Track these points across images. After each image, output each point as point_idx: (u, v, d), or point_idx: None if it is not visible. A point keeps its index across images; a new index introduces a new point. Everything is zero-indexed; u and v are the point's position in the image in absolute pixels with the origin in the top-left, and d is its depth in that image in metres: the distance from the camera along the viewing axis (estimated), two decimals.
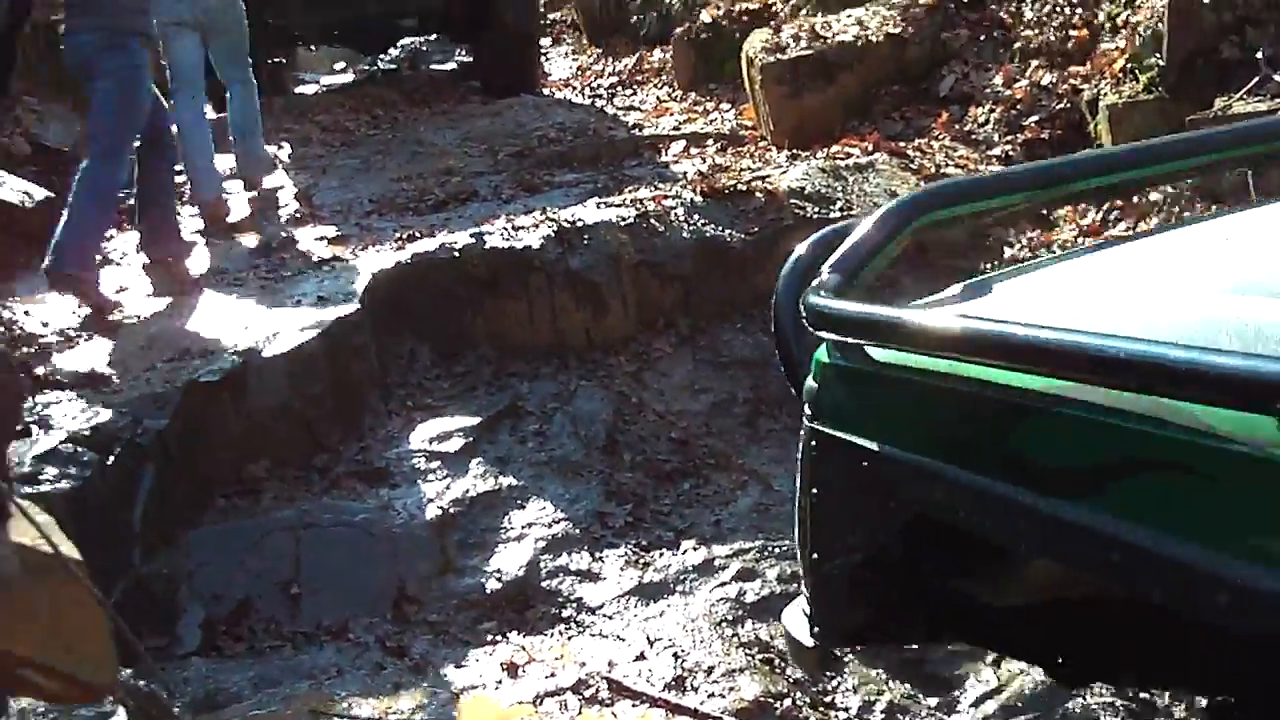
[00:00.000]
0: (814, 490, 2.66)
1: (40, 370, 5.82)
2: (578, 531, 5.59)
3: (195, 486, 5.52)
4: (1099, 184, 3.07)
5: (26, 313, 6.72)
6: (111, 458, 5.15)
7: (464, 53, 15.56)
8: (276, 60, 14.15)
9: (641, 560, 5.41)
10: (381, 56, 16.26)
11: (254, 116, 9.31)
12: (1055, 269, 2.87)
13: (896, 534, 2.57)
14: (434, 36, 15.42)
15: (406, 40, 15.65)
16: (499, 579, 5.36)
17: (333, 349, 6.23)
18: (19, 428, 3.01)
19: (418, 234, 7.63)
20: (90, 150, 7.08)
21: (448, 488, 5.78)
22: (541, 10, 15.95)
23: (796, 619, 2.83)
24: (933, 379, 2.30)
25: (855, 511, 2.61)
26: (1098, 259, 2.86)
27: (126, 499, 5.19)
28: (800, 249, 2.75)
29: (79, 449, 5.08)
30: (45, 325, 6.52)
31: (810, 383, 2.64)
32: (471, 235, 7.13)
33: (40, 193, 8.39)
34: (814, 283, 2.50)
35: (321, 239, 8.06)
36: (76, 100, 10.43)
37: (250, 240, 8.22)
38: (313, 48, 16.27)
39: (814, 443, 2.61)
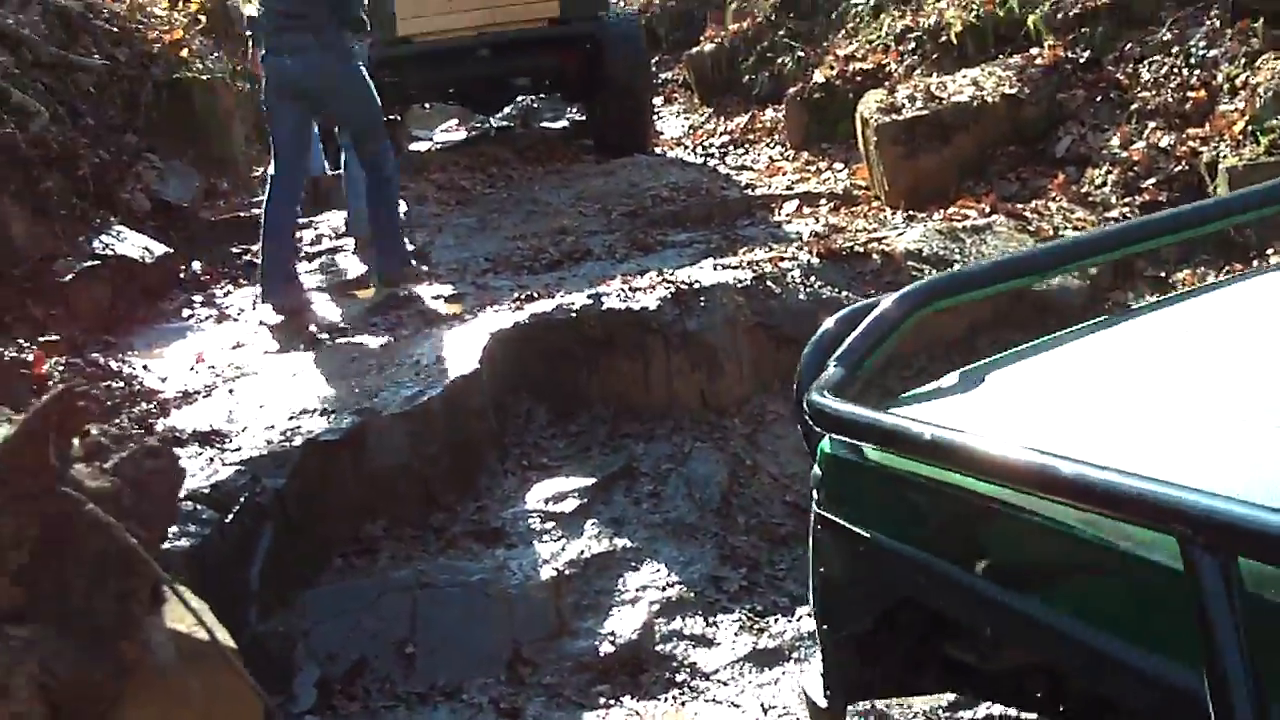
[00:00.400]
0: (820, 568, 2.97)
1: (160, 426, 5.86)
2: (692, 595, 5.53)
3: (313, 545, 5.52)
4: (1101, 260, 3.38)
5: (146, 367, 6.77)
6: (230, 516, 5.15)
7: (576, 111, 15.65)
8: (391, 118, 14.29)
9: (756, 626, 5.35)
10: (495, 115, 16.37)
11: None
12: (1045, 357, 3.02)
13: (893, 608, 2.82)
14: (546, 95, 15.52)
15: (519, 99, 15.75)
16: (613, 642, 5.31)
17: (451, 408, 6.21)
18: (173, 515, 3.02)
19: (535, 294, 7.64)
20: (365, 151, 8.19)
21: (563, 549, 5.74)
22: (653, 70, 16.01)
23: (813, 681, 3.08)
24: (916, 478, 2.54)
25: (856, 588, 2.92)
26: (1087, 345, 3.03)
27: (245, 557, 5.19)
28: (827, 324, 2.98)
29: (198, 507, 5.09)
30: (164, 381, 6.57)
31: (815, 469, 2.91)
32: (588, 296, 7.13)
33: (159, 248, 8.50)
34: (820, 378, 2.74)
35: (439, 297, 8.09)
36: (196, 156, 10.60)
37: (369, 298, 8.26)
38: (426, 106, 16.44)
39: (819, 525, 2.92)
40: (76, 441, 2.44)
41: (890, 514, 2.75)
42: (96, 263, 7.66)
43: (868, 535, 2.75)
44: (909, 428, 2.39)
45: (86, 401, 2.29)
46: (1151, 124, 9.09)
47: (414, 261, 9.01)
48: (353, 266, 9.21)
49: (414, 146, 15.62)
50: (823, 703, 3.05)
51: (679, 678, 5.12)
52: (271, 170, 7.96)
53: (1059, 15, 10.80)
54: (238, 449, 5.66)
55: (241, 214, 10.32)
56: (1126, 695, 2.13)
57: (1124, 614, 2.11)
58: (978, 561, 2.45)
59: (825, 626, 3.05)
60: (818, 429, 2.74)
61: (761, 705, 4.81)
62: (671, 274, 7.35)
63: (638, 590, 5.57)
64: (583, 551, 5.77)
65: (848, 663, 3.02)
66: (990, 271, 3.19)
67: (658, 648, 5.27)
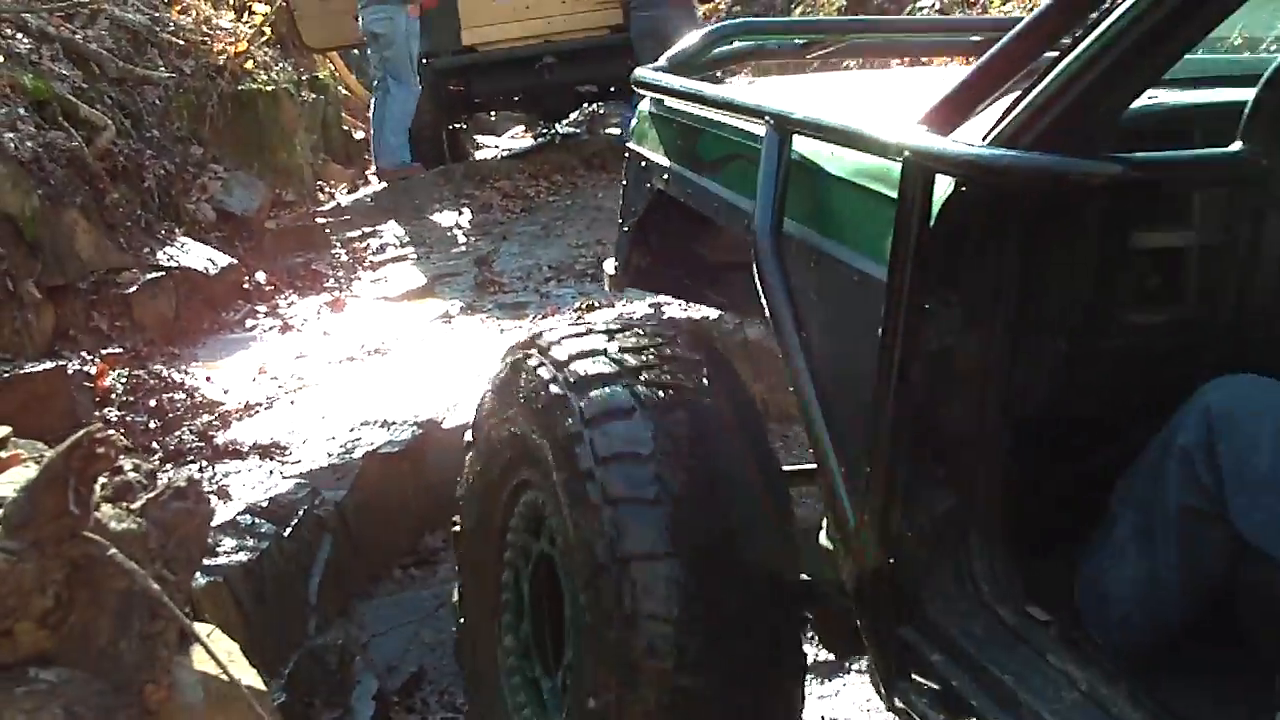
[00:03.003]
0: (623, 184, 4.57)
1: (220, 439, 5.87)
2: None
3: (372, 558, 5.52)
4: (867, 40, 4.61)
5: (208, 379, 6.79)
6: (289, 529, 5.14)
7: None
8: (457, 126, 14.34)
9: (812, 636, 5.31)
10: (560, 122, 16.39)
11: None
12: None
13: (653, 202, 4.27)
14: (612, 102, 15.52)
15: (585, 105, 15.76)
16: None
17: None
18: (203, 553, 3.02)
19: (597, 303, 7.63)
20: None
21: None
22: None
23: (610, 263, 4.67)
24: (676, 117, 4.10)
25: (636, 189, 4.42)
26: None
27: (303, 570, 5.19)
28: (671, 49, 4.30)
29: (257, 520, 5.09)
30: (226, 392, 6.58)
31: (634, 124, 4.55)
32: (649, 305, 7.10)
33: (223, 259, 8.52)
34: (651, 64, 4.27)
35: (502, 306, 8.09)
36: (261, 166, 10.66)
37: (430, 308, 8.27)
38: (491, 114, 16.47)
39: (627, 155, 4.54)
40: (104, 480, 2.43)
41: (662, 141, 4.24)
42: (161, 274, 7.68)
43: (644, 154, 4.34)
44: (679, 85, 3.95)
45: (107, 446, 2.26)
46: None
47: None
48: (414, 276, 9.22)
49: (479, 154, 15.64)
50: (612, 272, 4.61)
51: None
52: None
53: None
54: (298, 461, 5.67)
55: (306, 224, 10.37)
56: (734, 225, 3.55)
57: (749, 177, 3.30)
58: (694, 161, 3.95)
59: (620, 222, 4.59)
60: (638, 91, 4.28)
61: (821, 718, 4.77)
62: None
63: None
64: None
65: (629, 246, 4.49)
66: (788, 24, 5.36)
67: None
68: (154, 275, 7.60)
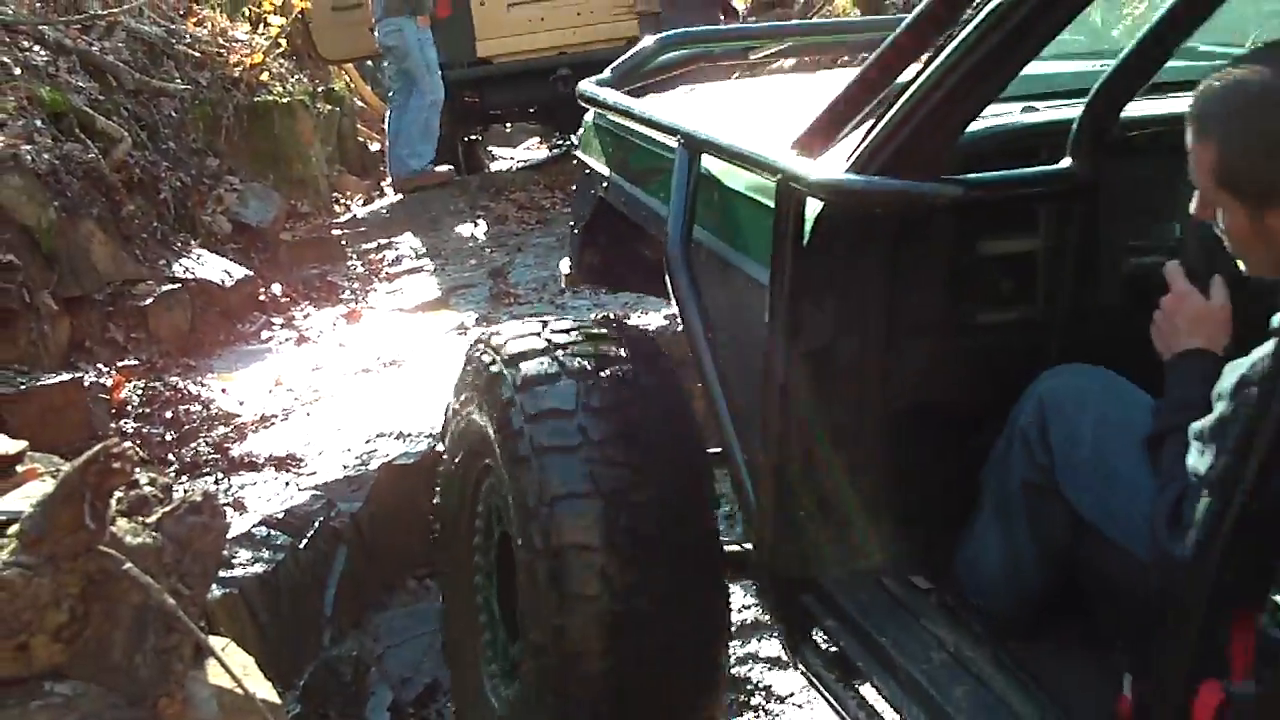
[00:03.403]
0: (574, 189, 5.19)
1: (236, 451, 5.89)
2: (766, 617, 5.49)
3: (387, 569, 5.53)
4: (802, 43, 5.16)
5: (224, 391, 6.81)
6: (305, 540, 5.16)
7: None
8: (471, 138, 14.36)
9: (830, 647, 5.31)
10: (576, 134, 16.39)
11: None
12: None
13: (597, 207, 4.79)
14: None
15: None
16: None
17: None
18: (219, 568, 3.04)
19: (611, 315, 7.63)
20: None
21: None
22: None
23: (566, 262, 5.23)
24: (613, 129, 4.60)
25: (584, 196, 4.96)
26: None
27: (319, 582, 5.20)
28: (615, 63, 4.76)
29: (272, 532, 5.11)
30: (242, 404, 6.60)
31: (580, 134, 5.13)
32: (665, 317, 7.11)
33: (239, 271, 8.54)
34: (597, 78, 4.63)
35: (517, 318, 8.08)
36: (276, 178, 10.68)
37: (445, 320, 8.28)
38: (507, 125, 16.48)
39: (575, 161, 5.10)
40: (120, 494, 2.44)
41: (602, 153, 4.75)
42: (177, 286, 7.69)
43: (589, 162, 4.87)
44: (613, 99, 4.35)
45: (123, 461, 2.27)
46: None
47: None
48: (430, 288, 9.24)
49: (495, 166, 15.66)
50: (567, 270, 5.20)
51: (754, 700, 5.09)
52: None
53: None
54: (313, 473, 5.69)
55: (322, 236, 10.38)
56: (659, 232, 3.86)
57: (663, 186, 3.76)
58: (629, 173, 4.38)
59: (572, 224, 5.13)
60: (582, 105, 4.64)
61: None
62: None
63: None
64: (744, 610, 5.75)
65: (580, 247, 5.00)
66: (728, 33, 5.92)
67: (732, 670, 5.24)
68: (170, 287, 7.62)
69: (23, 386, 5.71)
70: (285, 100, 11.29)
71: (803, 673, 3.37)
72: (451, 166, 12.87)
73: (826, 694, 3.22)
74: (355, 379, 7.09)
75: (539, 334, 3.83)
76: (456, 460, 4.22)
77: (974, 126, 2.98)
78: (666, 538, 3.47)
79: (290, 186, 11.00)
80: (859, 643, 3.09)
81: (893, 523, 3.28)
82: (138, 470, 2.52)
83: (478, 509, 4.21)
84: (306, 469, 5.72)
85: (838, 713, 3.16)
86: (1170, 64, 3.12)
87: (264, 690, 2.43)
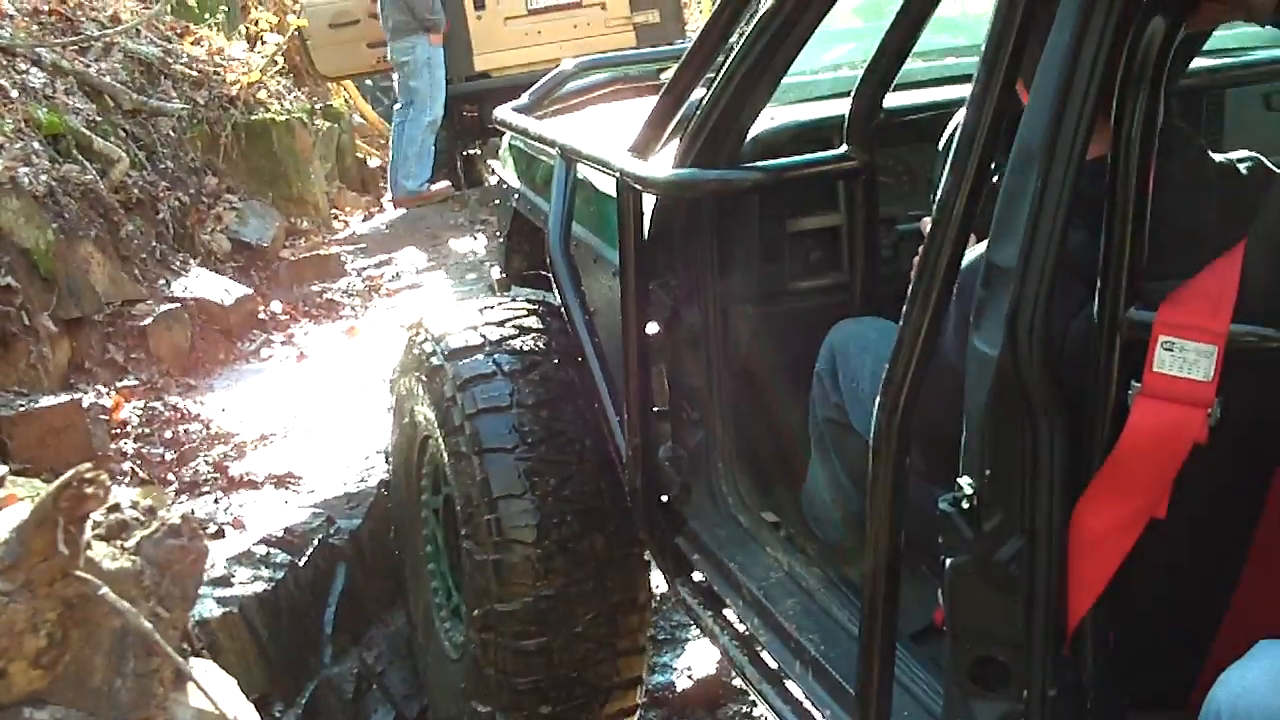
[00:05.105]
0: (496, 202, 5.82)
1: (235, 470, 5.89)
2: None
3: (387, 585, 5.52)
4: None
5: (223, 409, 6.81)
6: (305, 558, 5.16)
7: None
8: (470, 152, 14.38)
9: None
10: None
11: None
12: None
13: (519, 220, 5.23)
14: None
15: None
16: (689, 676, 5.30)
17: None
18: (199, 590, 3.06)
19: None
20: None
21: None
22: None
23: (495, 269, 5.72)
24: (522, 146, 5.17)
25: (505, 214, 5.47)
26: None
27: (319, 599, 5.20)
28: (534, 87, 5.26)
29: (272, 550, 5.11)
30: (241, 423, 6.60)
31: (500, 152, 5.63)
32: None
33: (239, 289, 8.55)
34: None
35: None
36: (276, 196, 10.69)
37: None
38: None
39: (500, 183, 5.57)
40: (99, 518, 2.44)
41: (515, 168, 5.30)
42: (176, 305, 7.70)
43: (505, 178, 5.42)
44: (517, 121, 4.85)
45: (97, 486, 2.27)
46: None
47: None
48: (430, 304, 9.24)
49: (494, 179, 15.64)
50: (498, 276, 5.65)
51: (755, 712, 5.09)
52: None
53: None
54: (312, 490, 5.68)
55: (321, 253, 10.38)
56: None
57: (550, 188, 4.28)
58: (536, 185, 4.90)
59: (497, 234, 5.73)
60: (500, 128, 5.17)
61: None
62: None
63: None
64: (657, 585, 5.74)
65: (507, 255, 5.53)
66: (639, 57, 6.40)
67: (735, 681, 5.24)
68: (169, 306, 7.63)
69: (22, 408, 5.72)
70: (283, 118, 11.28)
71: (683, 608, 3.90)
72: (450, 183, 12.90)
73: (699, 626, 3.81)
74: (354, 396, 7.09)
75: (475, 327, 4.43)
76: (401, 425, 4.85)
77: (770, 124, 3.72)
78: (591, 529, 4.15)
79: (289, 204, 11.00)
80: (716, 570, 3.64)
81: (745, 467, 3.81)
82: (134, 490, 2.52)
83: (423, 471, 4.82)
84: (306, 487, 5.72)
85: (711, 640, 3.71)
86: (914, 65, 3.82)
87: (245, 713, 2.42)
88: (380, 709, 5.11)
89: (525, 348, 4.37)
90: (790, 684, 3.22)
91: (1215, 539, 2.49)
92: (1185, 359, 2.14)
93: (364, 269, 10.42)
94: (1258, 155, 2.76)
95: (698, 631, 5.44)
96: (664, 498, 3.88)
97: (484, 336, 4.36)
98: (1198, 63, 3.68)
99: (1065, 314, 2.31)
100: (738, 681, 5.19)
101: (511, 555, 4.08)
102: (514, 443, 4.11)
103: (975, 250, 2.49)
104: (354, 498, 5.64)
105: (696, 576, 3.81)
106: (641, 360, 3.70)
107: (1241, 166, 2.70)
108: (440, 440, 4.33)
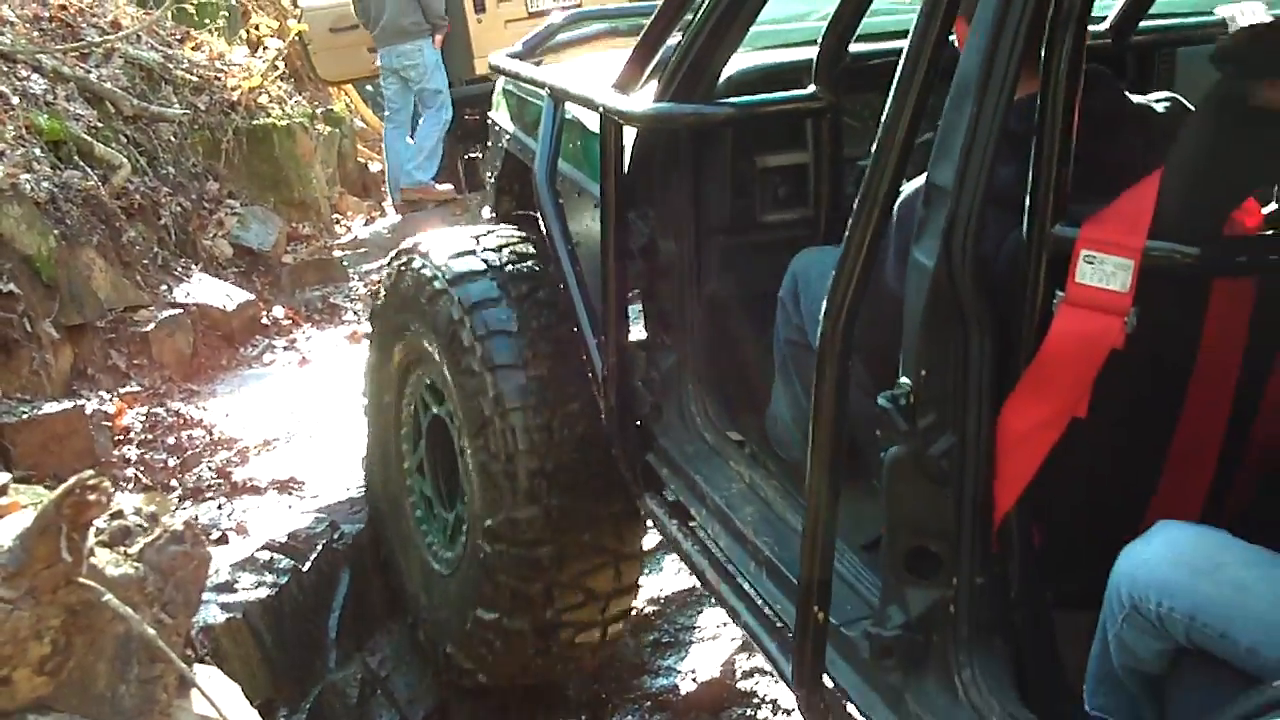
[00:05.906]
0: (486, 144, 5.90)
1: (238, 475, 5.88)
2: None
3: (390, 591, 5.52)
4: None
5: (226, 415, 6.81)
6: (308, 564, 5.17)
7: None
8: (472, 155, 14.37)
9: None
10: None
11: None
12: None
13: (510, 161, 5.38)
14: None
15: None
16: (694, 679, 5.30)
17: None
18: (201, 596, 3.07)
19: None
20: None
21: (642, 586, 5.71)
22: None
23: (485, 209, 5.87)
24: (516, 91, 5.31)
25: (494, 151, 5.63)
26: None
27: (323, 605, 5.20)
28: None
29: (275, 555, 5.11)
30: (244, 428, 6.59)
31: (495, 98, 5.73)
32: None
33: (241, 294, 8.54)
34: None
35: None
36: (277, 200, 10.68)
37: None
38: None
39: (491, 125, 5.70)
40: (103, 525, 2.43)
41: (507, 111, 5.46)
42: (178, 311, 7.69)
43: (498, 121, 5.57)
44: (510, 65, 5.00)
45: (99, 493, 2.27)
46: None
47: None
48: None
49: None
50: (489, 215, 5.73)
51: (760, 714, 5.09)
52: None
53: None
54: (316, 496, 5.69)
55: (323, 257, 10.37)
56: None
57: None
58: (529, 129, 4.87)
59: (487, 174, 5.92)
60: (495, 74, 5.41)
61: None
62: None
63: (718, 627, 5.54)
64: (663, 589, 5.74)
65: (496, 196, 5.65)
66: (629, 10, 6.18)
67: (738, 685, 5.24)
68: (171, 312, 7.62)
69: (25, 415, 5.71)
70: (284, 122, 11.26)
71: (651, 519, 4.22)
72: (451, 185, 12.90)
73: (664, 535, 4.09)
74: (357, 400, 7.08)
75: (474, 252, 4.70)
76: (383, 348, 5.24)
77: (744, 64, 4.01)
78: (591, 441, 4.39)
79: (291, 208, 10.96)
80: (683, 482, 3.94)
81: (713, 389, 4.07)
82: (138, 496, 2.52)
83: (405, 392, 5.19)
84: (309, 492, 5.72)
85: (674, 548, 4.03)
86: (883, 19, 4.13)
87: (249, 718, 2.42)
88: (384, 714, 5.11)
89: (525, 271, 4.65)
90: (745, 583, 3.54)
91: (1134, 449, 2.83)
92: (1105, 271, 2.39)
93: (366, 273, 10.41)
94: (1176, 95, 3.14)
95: (702, 634, 5.47)
96: (638, 421, 4.17)
97: (485, 262, 4.66)
98: (1151, 23, 4.25)
99: (998, 238, 2.56)
100: (741, 684, 5.21)
101: (529, 463, 4.38)
102: (525, 359, 4.42)
103: (912, 184, 2.76)
104: (357, 502, 5.64)
105: (666, 495, 4.09)
106: (619, 286, 4.00)
107: (1159, 106, 3.07)
108: (444, 361, 4.59)
